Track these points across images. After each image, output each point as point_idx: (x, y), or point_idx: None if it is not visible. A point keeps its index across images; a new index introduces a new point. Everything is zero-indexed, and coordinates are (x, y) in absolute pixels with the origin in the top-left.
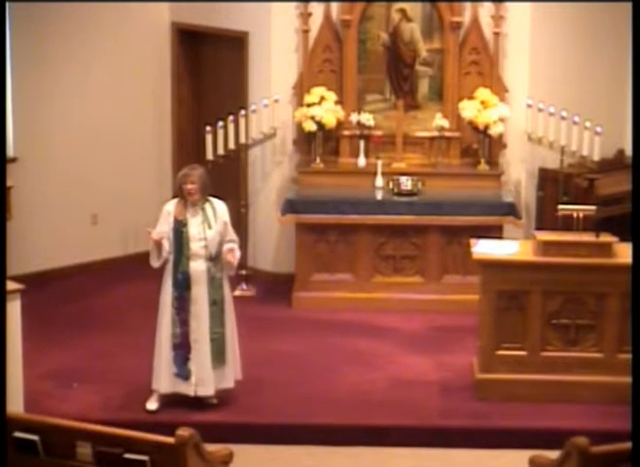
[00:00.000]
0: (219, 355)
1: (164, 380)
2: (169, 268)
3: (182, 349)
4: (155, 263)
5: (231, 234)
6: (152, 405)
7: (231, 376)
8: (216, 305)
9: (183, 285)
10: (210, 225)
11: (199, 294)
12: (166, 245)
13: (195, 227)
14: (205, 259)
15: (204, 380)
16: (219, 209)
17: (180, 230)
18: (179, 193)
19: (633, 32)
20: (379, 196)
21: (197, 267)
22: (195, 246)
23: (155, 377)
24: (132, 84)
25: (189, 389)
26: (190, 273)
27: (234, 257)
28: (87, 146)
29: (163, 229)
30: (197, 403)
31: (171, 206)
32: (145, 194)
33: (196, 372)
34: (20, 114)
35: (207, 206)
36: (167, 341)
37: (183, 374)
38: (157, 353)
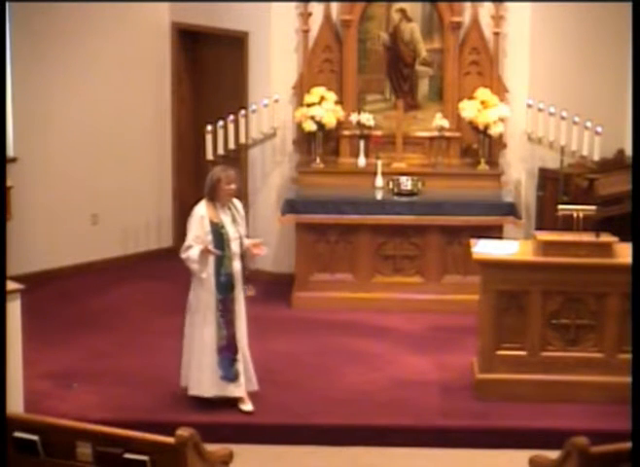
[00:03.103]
0: None
1: (209, 385)
2: (209, 270)
3: (229, 351)
4: (205, 273)
5: (245, 230)
6: (246, 406)
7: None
8: (244, 301)
9: (227, 286)
10: (239, 223)
11: (240, 292)
12: (213, 249)
13: (229, 227)
14: (239, 257)
15: (250, 377)
16: (238, 206)
17: (219, 232)
18: (213, 193)
19: (633, 32)
20: (379, 196)
21: (237, 266)
22: (234, 246)
23: (196, 382)
24: (132, 84)
25: (237, 391)
26: (233, 274)
27: (262, 249)
28: (86, 146)
29: (198, 233)
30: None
31: (203, 210)
32: (145, 194)
33: (243, 371)
34: (20, 114)
35: (230, 205)
36: (211, 346)
37: (230, 376)
38: (196, 359)
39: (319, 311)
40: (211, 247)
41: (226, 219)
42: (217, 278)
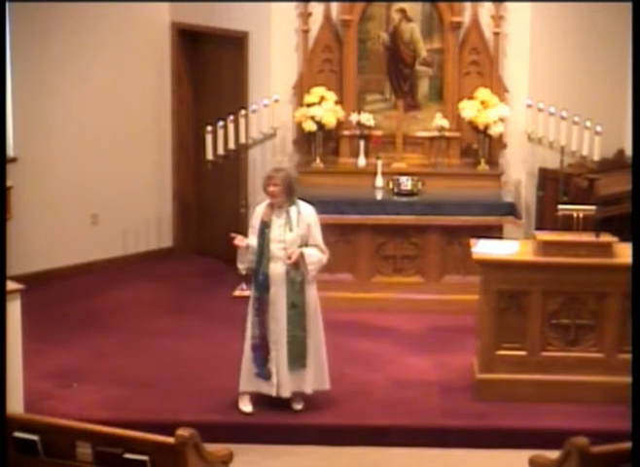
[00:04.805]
0: (298, 358)
1: (246, 379)
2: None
3: (261, 350)
4: (242, 267)
5: (315, 239)
6: (246, 407)
7: (310, 380)
8: (295, 308)
9: (263, 286)
10: (292, 227)
11: (277, 296)
12: (253, 246)
13: (276, 229)
14: (284, 261)
15: (283, 382)
16: (304, 212)
17: (263, 231)
18: (265, 193)
19: (633, 32)
20: (379, 196)
21: (277, 268)
22: (275, 248)
23: (241, 376)
24: (132, 84)
25: (271, 389)
26: (269, 275)
27: (291, 257)
28: (87, 146)
29: (254, 227)
30: (282, 404)
31: (261, 208)
32: (145, 194)
33: (276, 373)
34: (20, 114)
35: (292, 209)
36: (249, 342)
37: (263, 374)
38: (244, 354)
39: None
40: (241, 239)
41: (276, 220)
42: (256, 277)
